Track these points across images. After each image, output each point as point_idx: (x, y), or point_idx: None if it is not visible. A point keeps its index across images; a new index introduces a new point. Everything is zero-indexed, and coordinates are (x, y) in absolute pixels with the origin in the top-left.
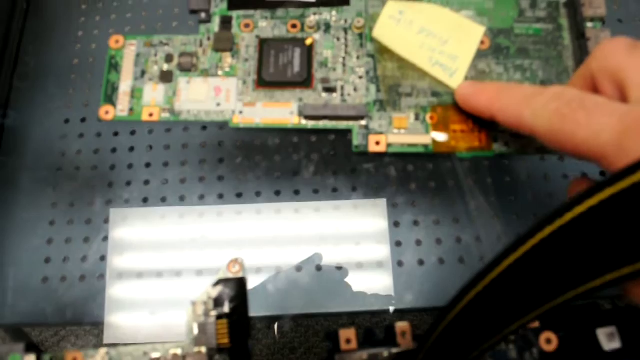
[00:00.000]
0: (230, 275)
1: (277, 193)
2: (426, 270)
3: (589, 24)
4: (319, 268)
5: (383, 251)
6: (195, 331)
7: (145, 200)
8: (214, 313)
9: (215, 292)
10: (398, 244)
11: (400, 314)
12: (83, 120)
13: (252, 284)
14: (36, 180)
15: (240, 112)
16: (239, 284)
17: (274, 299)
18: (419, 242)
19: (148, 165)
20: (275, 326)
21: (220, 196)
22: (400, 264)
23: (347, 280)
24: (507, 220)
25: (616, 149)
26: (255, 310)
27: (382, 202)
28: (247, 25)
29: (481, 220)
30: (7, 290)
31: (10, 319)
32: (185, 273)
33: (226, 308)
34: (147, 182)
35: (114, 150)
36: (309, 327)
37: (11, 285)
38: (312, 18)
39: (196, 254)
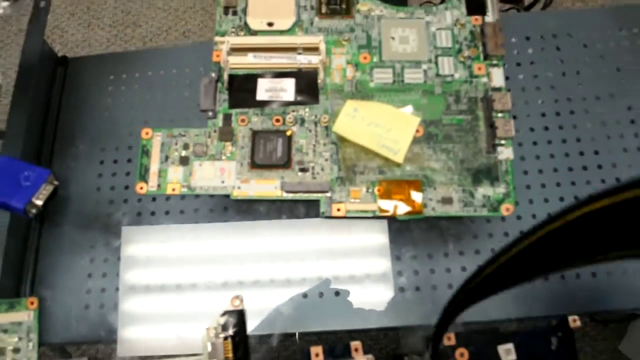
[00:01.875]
0: (232, 308)
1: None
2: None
3: (499, 114)
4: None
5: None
6: (209, 349)
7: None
8: (222, 335)
9: (222, 320)
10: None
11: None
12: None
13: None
14: (80, 228)
15: (239, 187)
16: (240, 315)
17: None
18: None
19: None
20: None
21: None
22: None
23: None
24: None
25: None
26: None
27: None
28: (243, 120)
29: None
30: (57, 315)
31: (61, 338)
32: (191, 288)
33: (230, 332)
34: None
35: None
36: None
37: (58, 311)
38: (291, 114)
39: (203, 269)
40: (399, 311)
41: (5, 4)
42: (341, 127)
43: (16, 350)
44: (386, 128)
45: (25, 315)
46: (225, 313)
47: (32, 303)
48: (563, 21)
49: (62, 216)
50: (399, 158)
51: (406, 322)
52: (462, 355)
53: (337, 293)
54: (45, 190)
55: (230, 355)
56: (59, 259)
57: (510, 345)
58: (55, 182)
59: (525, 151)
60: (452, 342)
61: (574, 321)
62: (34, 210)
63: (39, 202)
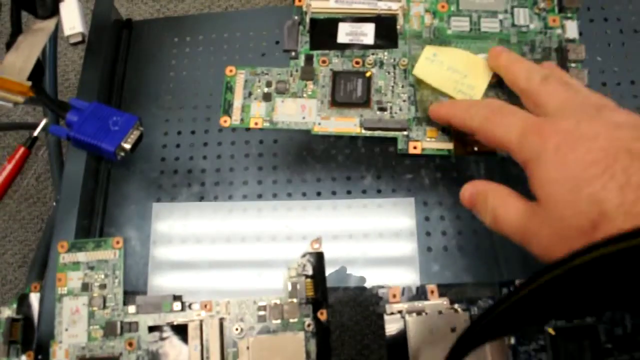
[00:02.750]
0: (312, 250)
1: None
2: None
3: (572, 65)
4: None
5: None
6: (289, 288)
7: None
8: (303, 275)
9: (303, 261)
10: (427, 234)
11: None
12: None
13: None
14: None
15: (319, 124)
16: (319, 256)
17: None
18: (444, 233)
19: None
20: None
21: (275, 195)
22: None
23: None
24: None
25: (517, 144)
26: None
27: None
28: (324, 61)
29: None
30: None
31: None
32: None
33: (310, 272)
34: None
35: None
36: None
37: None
38: (370, 57)
39: (243, 247)
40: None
41: None
42: (420, 70)
43: (102, 287)
44: (463, 74)
45: (111, 253)
46: (305, 254)
47: (117, 242)
48: None
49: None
50: None
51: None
52: None
53: None
54: (133, 135)
55: (312, 293)
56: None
57: None
58: (141, 128)
59: None
60: None
61: None
62: (122, 154)
63: (127, 146)
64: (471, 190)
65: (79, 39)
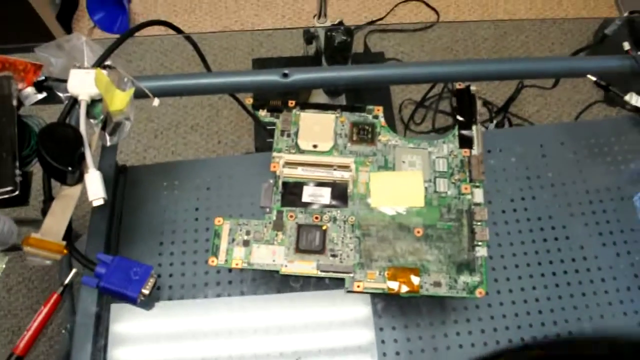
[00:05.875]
0: None
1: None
2: None
3: (479, 223)
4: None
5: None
6: None
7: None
8: None
9: None
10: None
11: None
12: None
13: None
14: None
15: (286, 265)
16: None
17: None
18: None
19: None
20: None
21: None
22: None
23: None
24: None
25: None
26: None
27: None
28: (291, 216)
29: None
30: None
31: None
32: None
33: None
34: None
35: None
36: None
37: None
38: (327, 214)
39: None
40: None
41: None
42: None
43: None
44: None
45: None
46: None
47: None
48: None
49: None
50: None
51: None
52: None
53: None
54: (150, 283)
55: None
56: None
57: None
58: (155, 276)
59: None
60: None
61: None
62: (142, 298)
63: (146, 292)
64: None
65: (101, 202)
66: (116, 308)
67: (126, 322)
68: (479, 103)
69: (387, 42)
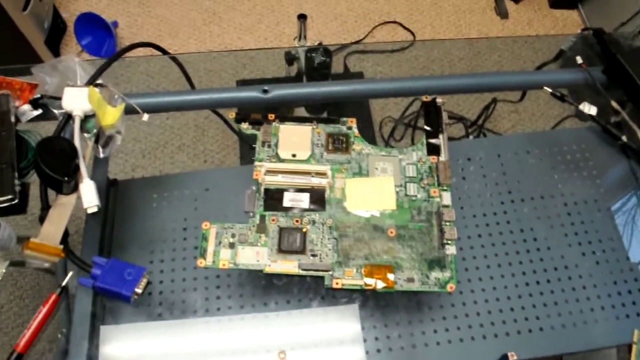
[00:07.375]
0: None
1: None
2: None
3: (447, 224)
4: None
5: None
6: None
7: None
8: None
9: None
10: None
11: None
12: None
13: None
14: None
15: (269, 265)
16: None
17: None
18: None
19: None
20: None
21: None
22: None
23: None
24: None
25: None
26: None
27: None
28: (273, 220)
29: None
30: None
31: None
32: None
33: None
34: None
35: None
36: None
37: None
38: (306, 217)
39: None
40: None
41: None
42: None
43: None
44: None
45: None
46: None
47: None
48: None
49: None
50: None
51: None
52: None
53: None
54: (143, 282)
55: None
56: None
57: None
58: (147, 276)
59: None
60: None
61: None
62: (135, 297)
63: (139, 291)
64: None
65: (95, 209)
66: (106, 330)
67: (115, 343)
68: (445, 116)
69: (366, 62)
